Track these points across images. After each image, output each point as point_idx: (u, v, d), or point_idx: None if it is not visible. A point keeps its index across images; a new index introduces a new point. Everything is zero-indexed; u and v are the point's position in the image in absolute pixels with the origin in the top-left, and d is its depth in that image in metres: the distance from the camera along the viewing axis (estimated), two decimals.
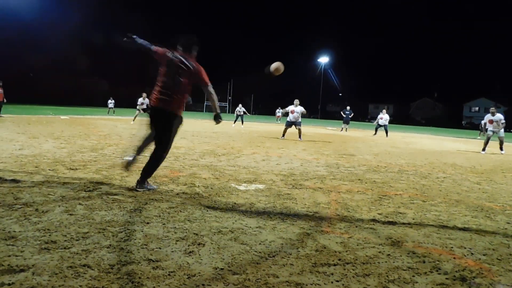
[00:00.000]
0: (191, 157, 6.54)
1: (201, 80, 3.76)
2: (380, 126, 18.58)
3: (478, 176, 6.42)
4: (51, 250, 2.22)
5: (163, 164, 5.54)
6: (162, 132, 3.79)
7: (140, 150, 4.03)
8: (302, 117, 12.68)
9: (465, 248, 2.72)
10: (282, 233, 2.80)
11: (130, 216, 2.96)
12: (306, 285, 1.99)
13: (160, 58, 3.78)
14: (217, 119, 3.91)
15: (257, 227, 2.89)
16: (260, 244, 2.54)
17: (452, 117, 74.96)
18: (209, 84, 3.77)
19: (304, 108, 12.63)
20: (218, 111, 3.92)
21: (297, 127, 12.46)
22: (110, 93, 32.40)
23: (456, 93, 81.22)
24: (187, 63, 3.69)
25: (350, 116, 22.57)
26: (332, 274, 2.14)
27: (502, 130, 11.89)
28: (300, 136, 12.42)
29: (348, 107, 22.70)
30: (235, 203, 3.58)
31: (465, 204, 4.16)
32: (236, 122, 21.34)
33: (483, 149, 11.93)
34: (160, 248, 2.35)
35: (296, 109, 12.50)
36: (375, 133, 18.87)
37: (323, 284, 2.01)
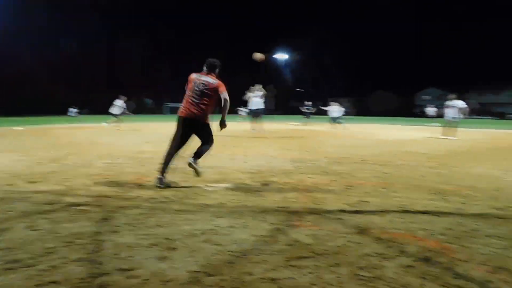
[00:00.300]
0: (157, 161, 6.39)
1: (218, 90, 4.47)
2: (335, 118, 19.13)
3: (433, 161, 6.81)
4: (16, 270, 2.12)
5: (128, 170, 5.43)
6: (205, 134, 4.51)
7: (168, 159, 4.44)
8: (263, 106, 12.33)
9: (426, 230, 2.90)
10: (254, 230, 2.84)
11: (98, 226, 2.88)
12: (281, 279, 2.04)
13: (188, 83, 4.56)
14: (222, 125, 4.58)
15: (228, 227, 2.91)
16: (233, 243, 2.57)
17: (406, 106, 78.79)
18: (224, 92, 4.47)
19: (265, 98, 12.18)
20: (225, 118, 4.56)
21: (259, 116, 11.95)
22: (72, 100, 31.13)
23: (408, 84, 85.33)
24: (209, 80, 4.49)
25: (310, 111, 23.06)
26: (305, 266, 2.21)
27: (460, 116, 12.63)
28: (259, 129, 11.99)
29: (307, 102, 23.19)
30: (205, 204, 3.58)
31: (423, 189, 4.41)
32: None
33: (443, 135, 12.63)
34: (132, 257, 2.31)
35: (257, 94, 12.13)
36: (334, 127, 19.44)
37: (297, 277, 2.07)
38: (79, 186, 4.33)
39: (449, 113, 12.75)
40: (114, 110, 16.67)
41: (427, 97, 77.98)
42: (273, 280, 2.03)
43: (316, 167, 6.01)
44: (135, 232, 2.76)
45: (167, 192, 4.05)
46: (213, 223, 3.00)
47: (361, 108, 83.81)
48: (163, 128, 17.07)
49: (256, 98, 12.13)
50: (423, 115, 27.89)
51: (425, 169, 5.88)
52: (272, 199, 3.83)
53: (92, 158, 6.68)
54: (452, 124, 12.68)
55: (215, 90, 4.47)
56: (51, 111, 38.32)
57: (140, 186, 4.38)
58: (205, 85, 4.47)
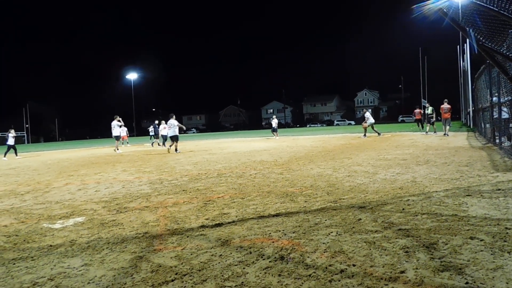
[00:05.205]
0: None
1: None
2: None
3: (280, 168, 7.60)
4: None
5: None
6: None
7: None
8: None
9: (279, 231, 3.21)
10: (112, 264, 2.63)
11: None
12: None
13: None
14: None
15: (82, 266, 2.62)
16: (89, 283, 2.32)
17: (254, 119, 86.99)
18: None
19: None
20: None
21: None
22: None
23: (254, 99, 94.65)
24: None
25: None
26: None
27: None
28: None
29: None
30: (51, 246, 3.12)
31: (274, 193, 4.88)
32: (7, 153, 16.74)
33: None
34: None
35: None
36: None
37: None
38: None
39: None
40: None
41: (271, 110, 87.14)
42: None
43: (175, 186, 5.96)
44: None
45: None
46: (63, 265, 2.64)
47: (213, 124, 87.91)
48: None
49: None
50: (269, 126, 31.15)
51: (274, 176, 6.51)
52: (130, 226, 3.61)
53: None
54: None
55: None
56: None
57: None
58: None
